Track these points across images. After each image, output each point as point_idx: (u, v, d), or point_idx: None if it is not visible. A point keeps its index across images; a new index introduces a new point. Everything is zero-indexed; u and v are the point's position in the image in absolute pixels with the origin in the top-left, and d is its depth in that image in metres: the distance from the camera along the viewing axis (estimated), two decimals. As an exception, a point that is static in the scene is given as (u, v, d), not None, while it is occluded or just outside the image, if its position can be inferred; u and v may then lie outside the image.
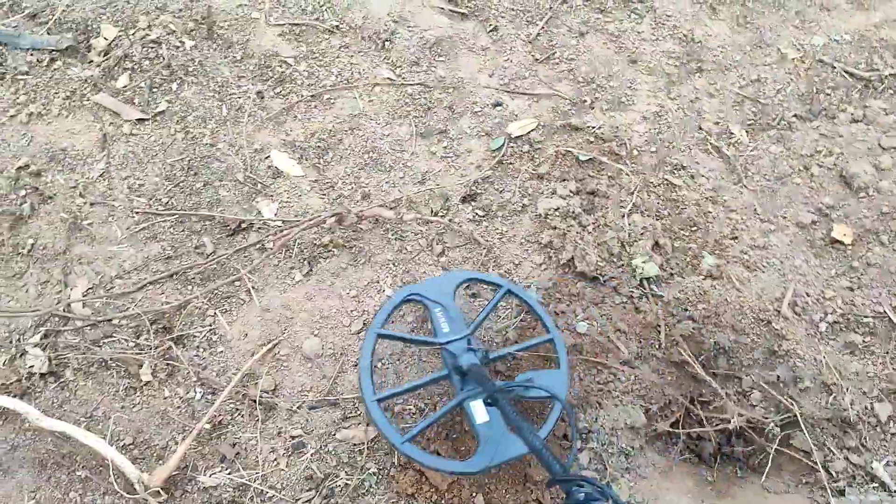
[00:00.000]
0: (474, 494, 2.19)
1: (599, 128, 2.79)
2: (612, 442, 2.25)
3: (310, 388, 2.31)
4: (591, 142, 2.77)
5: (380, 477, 2.21)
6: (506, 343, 2.33)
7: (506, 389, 1.90)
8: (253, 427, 2.25)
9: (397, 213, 2.53)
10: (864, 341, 2.37)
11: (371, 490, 2.19)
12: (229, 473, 2.20)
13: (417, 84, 2.91)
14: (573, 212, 2.51)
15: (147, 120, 2.78)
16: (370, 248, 2.54)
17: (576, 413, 2.22)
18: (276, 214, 2.60)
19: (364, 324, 2.40)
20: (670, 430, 2.26)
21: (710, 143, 2.82)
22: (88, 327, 2.38)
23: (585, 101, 2.91)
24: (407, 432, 2.01)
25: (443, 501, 2.20)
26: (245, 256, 2.53)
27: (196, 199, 2.65)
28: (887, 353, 2.35)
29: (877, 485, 2.20)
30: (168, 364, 2.34)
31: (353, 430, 2.25)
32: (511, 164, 2.73)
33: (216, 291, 2.46)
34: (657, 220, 2.56)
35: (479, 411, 2.05)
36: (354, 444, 2.24)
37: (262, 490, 2.16)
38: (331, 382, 2.31)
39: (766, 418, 2.28)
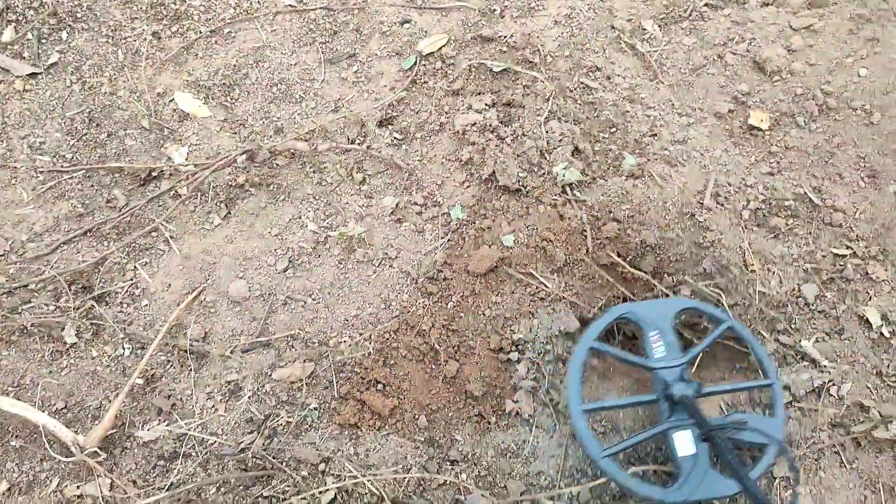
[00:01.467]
0: (417, 417, 2.20)
1: (511, 36, 2.71)
2: (547, 350, 2.26)
3: (241, 332, 2.27)
4: (504, 52, 2.69)
5: (321, 411, 2.21)
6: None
7: (721, 427, 1.85)
8: (187, 377, 2.22)
9: (311, 144, 2.45)
10: (786, 224, 2.39)
11: (314, 425, 2.19)
12: (168, 425, 2.17)
13: (320, 8, 2.79)
14: (490, 125, 2.46)
15: (40, 74, 2.63)
16: (288, 184, 2.47)
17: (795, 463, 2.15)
18: (186, 159, 2.51)
19: (290, 262, 2.35)
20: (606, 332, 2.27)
21: (624, 42, 2.77)
22: (4, 295, 2.30)
23: (495, 10, 2.82)
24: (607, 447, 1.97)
25: (386, 426, 2.20)
26: (159, 205, 2.45)
27: (101, 151, 2.54)
28: (810, 233, 2.38)
29: (807, 363, 2.25)
30: (92, 324, 2.27)
31: (289, 368, 2.23)
32: (425, 82, 2.65)
33: (133, 244, 2.39)
34: (576, 124, 2.52)
35: (683, 443, 2.00)
36: (292, 383, 2.22)
37: (202, 438, 2.14)
38: (261, 324, 2.27)
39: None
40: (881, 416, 2.15)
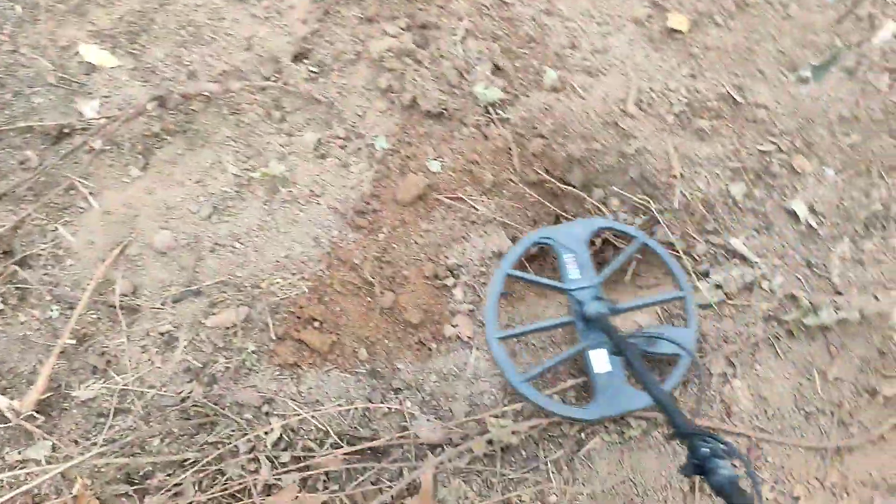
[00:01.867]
0: (357, 350, 2.19)
1: (423, -45, 2.63)
2: (482, 272, 2.25)
3: (170, 283, 2.23)
4: (417, -29, 2.61)
5: (260, 354, 2.19)
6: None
7: (633, 341, 1.86)
8: (119, 332, 2.18)
9: (223, 86, 2.37)
10: (711, 125, 2.38)
11: (254, 368, 2.18)
12: (104, 383, 2.15)
13: (223, -58, 2.67)
14: (407, 49, 2.39)
15: (-67, 37, 2.50)
16: (206, 129, 2.40)
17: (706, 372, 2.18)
18: (98, 112, 2.42)
19: (214, 207, 2.30)
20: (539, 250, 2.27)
21: (538, -47, 2.70)
22: (-78, 269, 2.22)
23: (402, -70, 2.72)
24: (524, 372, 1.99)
25: (327, 363, 2.20)
26: (74, 162, 2.37)
27: (9, 112, 2.44)
28: (734, 132, 2.38)
29: (738, 260, 2.27)
30: (17, 288, 2.22)
31: (223, 314, 2.20)
32: (338, 11, 2.57)
33: (51, 204, 2.32)
34: (494, 41, 2.47)
35: (599, 361, 2.03)
36: (227, 328, 2.19)
37: (141, 391, 2.12)
38: (190, 272, 2.24)
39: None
40: (811, 304, 2.18)
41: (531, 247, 2.16)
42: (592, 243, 2.29)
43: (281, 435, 2.11)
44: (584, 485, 2.10)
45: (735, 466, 1.28)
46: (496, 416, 2.12)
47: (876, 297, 2.23)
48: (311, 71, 2.47)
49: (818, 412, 2.18)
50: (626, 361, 1.89)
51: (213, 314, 2.20)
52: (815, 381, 2.20)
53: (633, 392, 2.01)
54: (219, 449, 2.02)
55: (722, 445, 1.25)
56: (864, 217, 2.29)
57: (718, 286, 2.24)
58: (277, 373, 2.17)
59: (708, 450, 1.24)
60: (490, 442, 2.10)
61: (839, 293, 2.23)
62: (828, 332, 2.22)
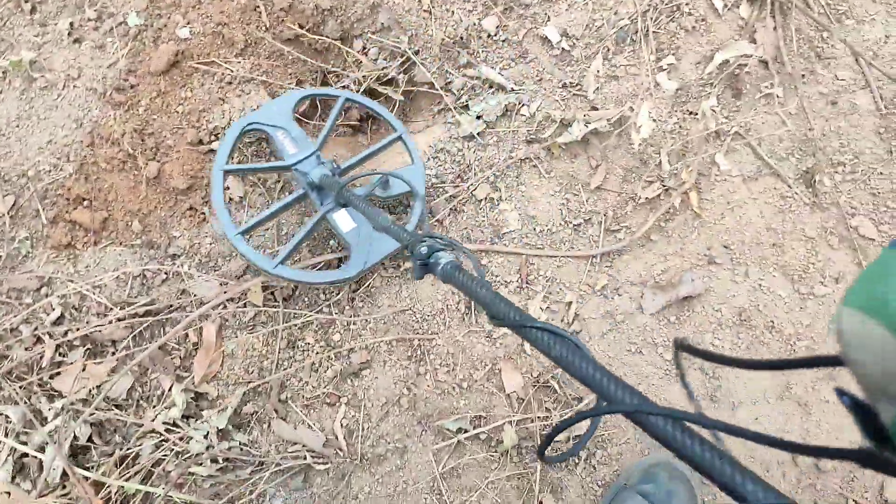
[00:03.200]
0: (130, 223, 2.22)
1: None
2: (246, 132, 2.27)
3: (-68, 182, 2.21)
4: None
5: (33, 240, 2.20)
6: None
7: (363, 192, 1.89)
8: None
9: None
10: (459, -37, 2.41)
11: (28, 254, 2.19)
12: None
13: None
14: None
15: None
16: (-45, 28, 2.36)
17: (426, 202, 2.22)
18: None
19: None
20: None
21: None
22: None
23: None
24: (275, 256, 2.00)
25: (102, 240, 2.22)
26: None
27: None
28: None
29: (494, 89, 2.33)
30: None
31: (-13, 206, 2.19)
32: None
33: None
34: None
35: (343, 221, 2.06)
36: (-6, 220, 2.19)
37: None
38: (-48, 170, 2.21)
39: (388, 68, 2.33)
40: (562, 121, 2.26)
41: (241, 138, 2.15)
42: (307, 115, 2.31)
43: (62, 314, 2.14)
44: (366, 320, 2.17)
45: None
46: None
47: (631, 108, 2.31)
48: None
49: (586, 223, 2.28)
50: (351, 206, 1.95)
51: (-23, 209, 2.19)
52: (580, 195, 2.29)
53: (383, 238, 2.06)
54: (-1, 334, 2.04)
55: (439, 241, 1.31)
56: (614, 34, 2.35)
57: (479, 116, 2.30)
58: (54, 255, 2.19)
59: (426, 248, 1.30)
60: (269, 290, 2.15)
61: (595, 108, 2.31)
62: (588, 146, 2.30)
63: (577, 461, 2.09)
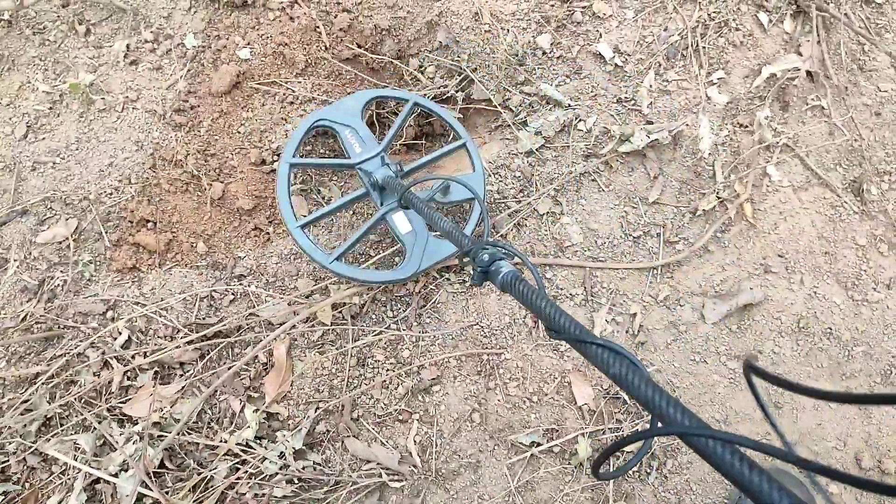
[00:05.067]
0: (195, 245, 2.21)
1: None
2: (309, 150, 2.28)
3: (-8, 207, 2.19)
4: None
5: (97, 264, 2.18)
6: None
7: (425, 196, 1.92)
8: (-54, 264, 2.13)
9: (17, 2, 2.31)
10: (512, -18, 2.45)
11: (92, 278, 2.17)
12: (-62, 314, 2.11)
13: None
14: (201, -59, 2.38)
15: None
16: (10, 52, 2.34)
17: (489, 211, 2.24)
18: None
19: (28, 126, 2.26)
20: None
21: None
22: None
23: None
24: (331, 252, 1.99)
25: (167, 261, 2.21)
26: None
27: None
28: (535, -14, 2.45)
29: (552, 106, 2.37)
30: None
31: (52, 229, 2.18)
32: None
33: None
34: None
35: (401, 222, 2.06)
36: (59, 243, 2.18)
37: (-22, 317, 2.09)
38: (13, 194, 2.20)
39: (447, 86, 2.36)
40: (622, 134, 2.30)
41: (310, 133, 2.15)
42: (373, 116, 2.33)
43: (129, 337, 2.12)
44: (434, 336, 2.18)
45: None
46: (337, 285, 2.17)
47: (686, 124, 2.36)
48: (111, -22, 2.43)
49: (645, 235, 2.31)
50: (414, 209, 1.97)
51: (43, 231, 2.18)
52: (639, 208, 2.33)
53: (439, 242, 2.08)
54: (66, 359, 2.02)
55: (501, 250, 1.32)
56: (664, 50, 2.40)
57: (538, 132, 2.33)
58: (118, 279, 2.18)
59: (487, 256, 1.30)
60: (337, 308, 2.16)
61: (650, 122, 2.35)
62: (645, 159, 2.34)
63: (648, 472, 2.11)
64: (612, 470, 2.06)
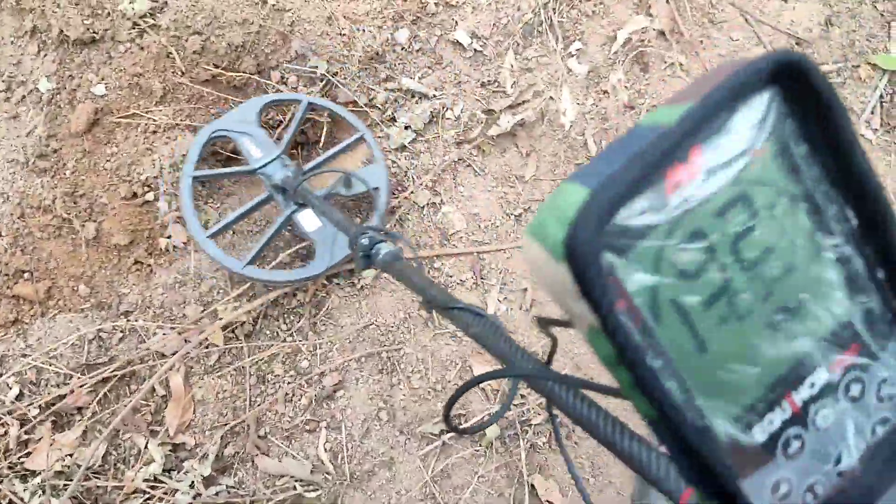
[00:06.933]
0: (76, 288, 2.18)
1: None
2: (177, 177, 2.27)
3: None
4: None
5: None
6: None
7: (326, 192, 1.98)
8: None
9: None
10: (362, -17, 2.47)
11: (-26, 337, 2.12)
12: None
13: None
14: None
15: None
16: None
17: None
18: None
19: None
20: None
21: None
22: None
23: None
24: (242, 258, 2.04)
25: (50, 309, 2.17)
26: None
27: None
28: (386, -17, 2.48)
29: (418, 98, 2.39)
30: None
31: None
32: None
33: None
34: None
35: (307, 221, 2.10)
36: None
37: None
38: None
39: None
40: (489, 118, 2.34)
41: (208, 145, 2.17)
42: (269, 122, 2.35)
43: (20, 391, 2.09)
44: (331, 342, 2.19)
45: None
46: (224, 306, 2.17)
47: (551, 98, 2.41)
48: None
49: (526, 212, 2.36)
50: (309, 206, 1.99)
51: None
52: (516, 187, 2.37)
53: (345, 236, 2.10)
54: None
55: (380, 232, 1.36)
56: (520, 29, 2.45)
57: (407, 127, 2.35)
58: (1, 333, 2.14)
59: (367, 240, 1.33)
60: (229, 329, 2.15)
61: (516, 103, 2.39)
62: (515, 138, 2.38)
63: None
64: (471, 426, 2.10)
